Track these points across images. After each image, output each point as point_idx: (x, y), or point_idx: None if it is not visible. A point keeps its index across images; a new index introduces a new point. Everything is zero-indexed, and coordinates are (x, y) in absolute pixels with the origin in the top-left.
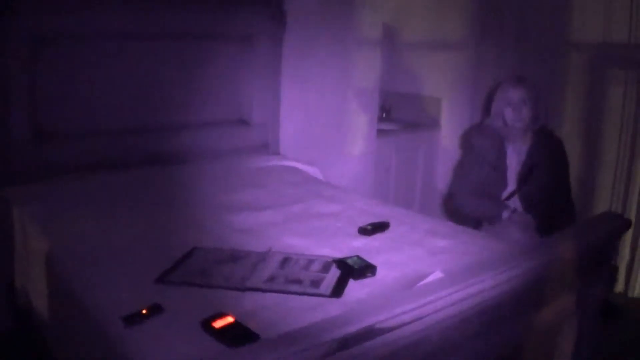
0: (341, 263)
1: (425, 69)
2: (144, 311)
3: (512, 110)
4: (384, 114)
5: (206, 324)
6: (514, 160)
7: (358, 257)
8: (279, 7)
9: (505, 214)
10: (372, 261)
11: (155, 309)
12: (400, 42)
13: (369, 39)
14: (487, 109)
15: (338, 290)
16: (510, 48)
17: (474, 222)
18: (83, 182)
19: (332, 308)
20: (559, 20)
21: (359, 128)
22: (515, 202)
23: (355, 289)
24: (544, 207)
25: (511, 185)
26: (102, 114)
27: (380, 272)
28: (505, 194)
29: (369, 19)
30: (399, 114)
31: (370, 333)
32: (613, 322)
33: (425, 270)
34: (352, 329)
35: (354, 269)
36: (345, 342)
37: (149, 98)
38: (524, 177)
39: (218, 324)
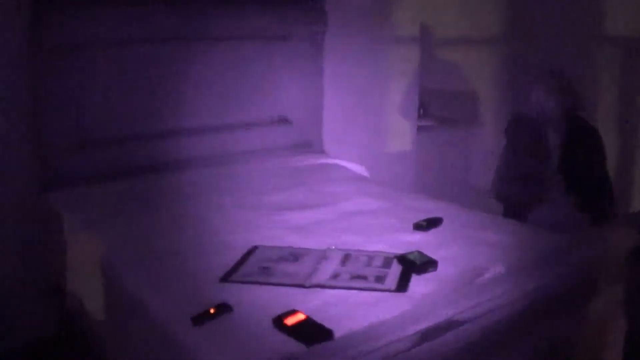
0: (403, 259)
1: (459, 65)
2: (211, 310)
3: (552, 101)
4: (421, 111)
5: (278, 321)
6: (551, 141)
7: (419, 252)
8: (320, 6)
9: (547, 195)
10: (431, 256)
11: (224, 308)
12: (435, 39)
13: (407, 37)
14: (523, 101)
15: (403, 285)
16: (542, 42)
17: (521, 208)
18: (126, 187)
19: (397, 303)
20: (591, 13)
21: (399, 126)
22: (560, 185)
23: (419, 283)
24: (584, 188)
25: (552, 166)
26: (141, 118)
27: (442, 267)
28: (548, 172)
29: (408, 17)
30: (436, 110)
31: (448, 325)
32: None
33: (484, 265)
34: (431, 322)
35: (416, 264)
36: (425, 336)
37: (188, 101)
38: (563, 158)
39: (290, 320)
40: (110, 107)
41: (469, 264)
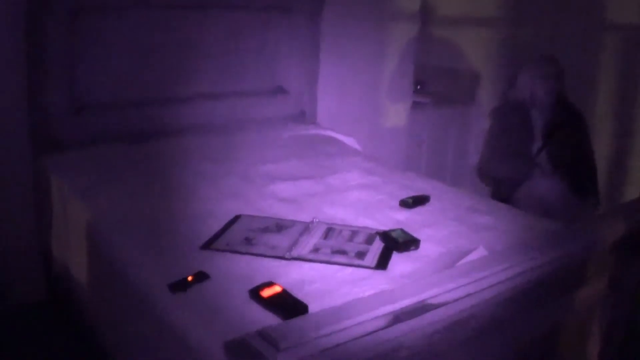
0: (385, 236)
1: (459, 44)
2: (189, 278)
3: (543, 85)
4: (418, 86)
5: (254, 293)
6: (539, 122)
7: (402, 230)
8: None
9: (536, 170)
10: (415, 235)
11: (201, 276)
12: (436, 17)
13: (406, 13)
14: (513, 83)
15: (383, 262)
16: (542, 26)
17: (509, 187)
18: (120, 152)
19: (378, 281)
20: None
21: (392, 101)
22: (544, 162)
23: (400, 262)
24: (570, 168)
25: (537, 143)
26: (138, 84)
27: (423, 246)
28: (533, 152)
29: None
30: (433, 87)
31: (423, 308)
32: None
33: (467, 247)
34: (405, 303)
35: (398, 242)
36: (398, 317)
37: (186, 68)
38: (549, 135)
39: (266, 293)
40: (108, 73)
41: (452, 245)
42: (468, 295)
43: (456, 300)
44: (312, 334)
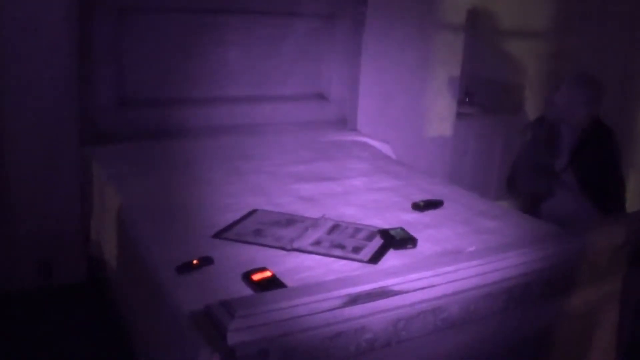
0: (384, 233)
1: (508, 56)
2: (195, 262)
3: (582, 110)
4: (467, 98)
5: (246, 276)
6: (566, 137)
7: (402, 229)
8: None
9: (558, 188)
10: (418, 235)
11: (206, 261)
12: (486, 28)
13: (451, 24)
14: (551, 101)
15: (376, 257)
16: (592, 40)
17: (534, 200)
18: (156, 146)
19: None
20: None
21: (437, 111)
22: (570, 180)
23: (393, 258)
24: (595, 188)
25: (564, 159)
26: (179, 83)
27: (422, 245)
28: (558, 167)
29: (454, 4)
30: (482, 99)
31: (382, 293)
32: None
33: (465, 247)
34: (365, 287)
35: (394, 239)
36: (355, 299)
37: (226, 69)
38: (576, 152)
39: (257, 276)
40: (153, 71)
41: (450, 245)
42: (432, 286)
43: (417, 289)
44: (269, 306)
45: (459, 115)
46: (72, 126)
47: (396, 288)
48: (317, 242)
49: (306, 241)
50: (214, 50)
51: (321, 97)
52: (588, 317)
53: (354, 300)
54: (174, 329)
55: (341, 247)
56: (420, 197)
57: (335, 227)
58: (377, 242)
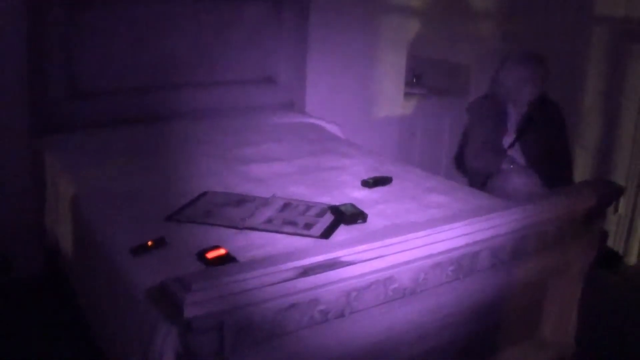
0: (335, 209)
1: (455, 37)
2: (149, 243)
3: (528, 86)
4: (414, 79)
5: (201, 255)
6: (513, 115)
7: (352, 205)
8: None
9: (506, 165)
10: (368, 211)
11: (160, 242)
12: (435, 10)
13: (398, 5)
14: (495, 79)
15: (327, 233)
16: (536, 21)
17: (482, 179)
18: (111, 135)
19: (317, 249)
20: None
21: (386, 93)
22: (518, 156)
23: (344, 233)
24: (543, 163)
25: (511, 136)
26: (132, 72)
27: (372, 220)
28: (506, 144)
29: None
30: (430, 80)
31: (332, 265)
32: (613, 269)
33: (414, 221)
34: (315, 260)
35: (345, 215)
36: (307, 271)
37: (177, 57)
38: (523, 129)
39: (211, 254)
40: (104, 61)
41: (399, 219)
42: (381, 256)
43: (366, 260)
44: (223, 280)
45: (407, 96)
46: (23, 119)
47: (346, 259)
48: (269, 220)
49: (258, 219)
50: (165, 38)
51: (270, 80)
52: (538, 286)
53: (306, 272)
54: (132, 308)
55: (293, 224)
56: (369, 175)
57: (286, 206)
58: (328, 218)
